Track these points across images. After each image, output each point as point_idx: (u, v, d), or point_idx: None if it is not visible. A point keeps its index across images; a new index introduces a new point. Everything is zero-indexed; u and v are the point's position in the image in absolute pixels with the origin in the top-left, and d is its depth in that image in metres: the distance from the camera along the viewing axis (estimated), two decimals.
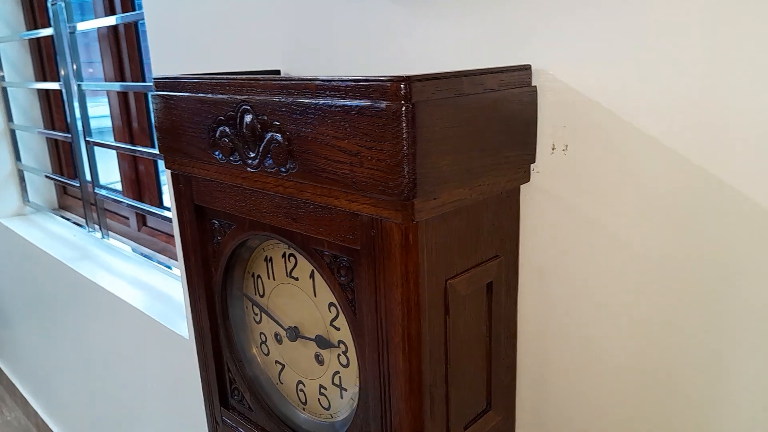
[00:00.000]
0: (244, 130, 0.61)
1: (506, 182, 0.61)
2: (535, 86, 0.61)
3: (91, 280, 1.67)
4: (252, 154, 0.62)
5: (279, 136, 0.58)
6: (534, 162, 0.63)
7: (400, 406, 0.57)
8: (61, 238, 2.02)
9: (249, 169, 0.63)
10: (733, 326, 0.54)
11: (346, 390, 0.68)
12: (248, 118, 0.61)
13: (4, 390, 2.77)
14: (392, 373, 0.56)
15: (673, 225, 0.55)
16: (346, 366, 0.67)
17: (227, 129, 0.64)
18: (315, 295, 0.68)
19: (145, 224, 1.87)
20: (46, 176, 2.17)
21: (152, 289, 1.56)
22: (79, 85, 1.74)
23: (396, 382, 0.56)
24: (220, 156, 0.65)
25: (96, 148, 1.80)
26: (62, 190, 2.34)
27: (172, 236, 1.65)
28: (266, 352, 0.78)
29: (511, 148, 0.59)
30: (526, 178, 0.63)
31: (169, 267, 1.62)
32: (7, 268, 2.38)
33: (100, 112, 1.89)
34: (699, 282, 0.55)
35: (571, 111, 0.59)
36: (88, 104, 1.80)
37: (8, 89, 2.18)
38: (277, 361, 0.77)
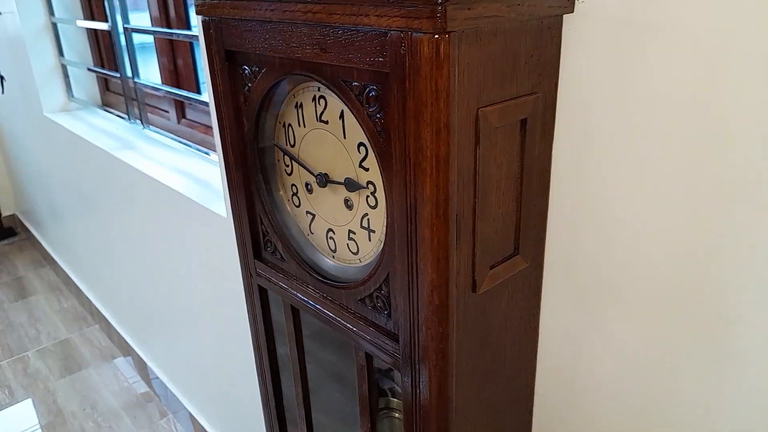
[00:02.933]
0: None
1: (548, 8, 0.57)
2: None
3: (133, 167, 1.71)
4: None
5: None
6: None
7: (425, 233, 0.56)
8: (104, 131, 2.06)
9: None
10: None
11: (374, 231, 0.68)
12: None
13: (60, 281, 2.93)
14: (419, 200, 0.56)
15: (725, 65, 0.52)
16: (374, 207, 0.67)
17: None
18: (344, 137, 0.67)
19: (184, 116, 1.89)
20: (89, 69, 2.19)
21: (191, 174, 1.59)
22: None
23: (422, 209, 0.56)
24: None
25: (138, 53, 1.80)
26: (105, 86, 2.37)
27: (210, 127, 1.66)
28: (297, 203, 0.79)
29: None
30: (570, 7, 0.60)
31: (207, 153, 1.64)
32: (55, 163, 2.46)
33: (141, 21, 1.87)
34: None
35: None
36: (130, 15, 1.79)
37: None
38: (308, 212, 0.78)
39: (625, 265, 0.64)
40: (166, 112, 1.98)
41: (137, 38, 1.84)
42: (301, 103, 0.71)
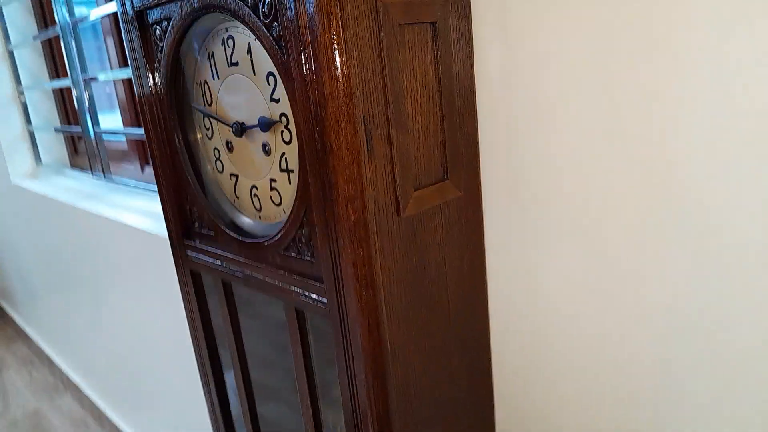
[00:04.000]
0: None
1: None
2: None
3: (97, 214, 1.66)
4: None
5: None
6: None
7: (332, 137, 0.52)
8: (69, 189, 2.03)
9: None
10: None
11: (292, 171, 0.63)
12: None
13: (32, 353, 2.81)
14: (320, 101, 0.51)
15: None
16: (289, 142, 0.62)
17: None
18: (254, 74, 0.63)
19: (147, 162, 1.87)
20: (55, 129, 2.18)
21: (155, 213, 1.54)
22: (74, 23, 1.74)
23: (325, 110, 0.51)
24: None
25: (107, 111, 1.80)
26: (74, 150, 2.36)
27: None
28: (221, 169, 0.74)
29: None
30: None
31: None
32: (25, 230, 2.41)
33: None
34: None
35: None
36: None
37: (14, 53, 2.21)
38: (231, 174, 0.73)
39: (572, 191, 0.59)
40: (130, 164, 1.96)
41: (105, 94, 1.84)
42: (213, 53, 0.68)
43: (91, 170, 2.03)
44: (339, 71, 0.50)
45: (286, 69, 0.55)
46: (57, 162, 2.37)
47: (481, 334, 0.71)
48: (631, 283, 0.57)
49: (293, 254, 0.63)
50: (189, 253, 0.80)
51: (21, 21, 2.22)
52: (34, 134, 2.33)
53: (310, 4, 0.49)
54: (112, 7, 1.43)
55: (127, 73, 1.55)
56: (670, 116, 0.50)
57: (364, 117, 0.52)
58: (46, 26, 2.18)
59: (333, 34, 0.49)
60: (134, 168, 1.93)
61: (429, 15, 0.57)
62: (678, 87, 0.49)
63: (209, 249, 0.76)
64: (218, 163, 0.74)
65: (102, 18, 1.62)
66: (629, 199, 0.55)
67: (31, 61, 2.27)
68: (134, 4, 0.72)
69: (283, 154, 0.63)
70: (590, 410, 0.65)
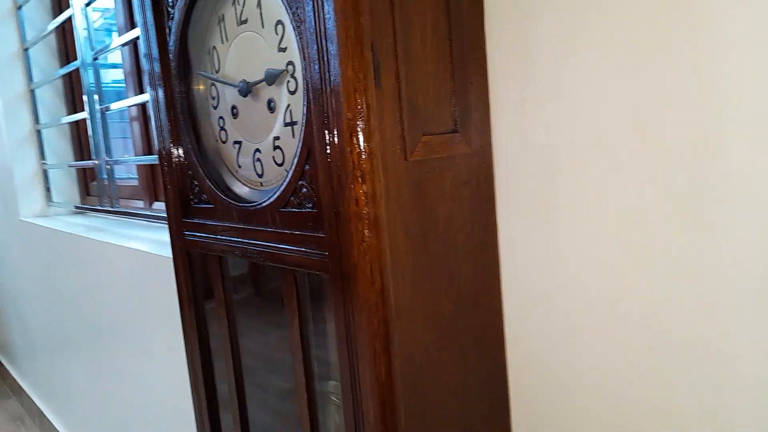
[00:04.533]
0: None
1: None
2: None
3: (103, 242, 1.64)
4: None
5: None
6: None
7: (341, 66, 0.50)
8: (76, 224, 2.02)
9: None
10: None
11: (296, 123, 0.61)
12: None
13: (24, 411, 2.71)
14: (329, 30, 0.50)
15: None
16: (294, 92, 0.60)
17: None
18: (263, 26, 0.63)
19: (157, 199, 1.86)
20: (69, 165, 2.20)
21: (162, 242, 1.52)
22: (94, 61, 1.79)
23: (333, 38, 0.50)
24: None
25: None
26: (86, 191, 2.37)
27: None
28: (225, 139, 0.72)
29: None
30: None
31: None
32: (29, 271, 2.39)
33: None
34: None
35: None
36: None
37: (36, 91, 2.27)
38: (235, 142, 0.71)
39: (587, 156, 0.56)
40: (139, 200, 1.96)
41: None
42: (223, 15, 0.68)
43: (100, 204, 2.03)
44: None
45: (298, 6, 0.54)
46: (68, 202, 2.38)
47: (495, 314, 0.66)
48: (676, 253, 0.53)
49: (293, 209, 0.59)
50: (186, 232, 0.77)
51: (44, 62, 2.29)
52: (47, 172, 2.35)
53: None
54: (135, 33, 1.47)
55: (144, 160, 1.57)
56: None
57: (372, 43, 0.51)
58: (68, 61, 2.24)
59: None
60: (144, 204, 1.93)
61: None
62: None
63: (208, 223, 0.73)
64: (222, 133, 0.73)
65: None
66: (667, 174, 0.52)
67: (50, 99, 2.32)
68: None
69: (288, 106, 0.61)
70: (624, 409, 0.58)
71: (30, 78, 2.30)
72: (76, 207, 2.31)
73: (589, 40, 0.54)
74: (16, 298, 2.65)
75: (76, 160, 2.35)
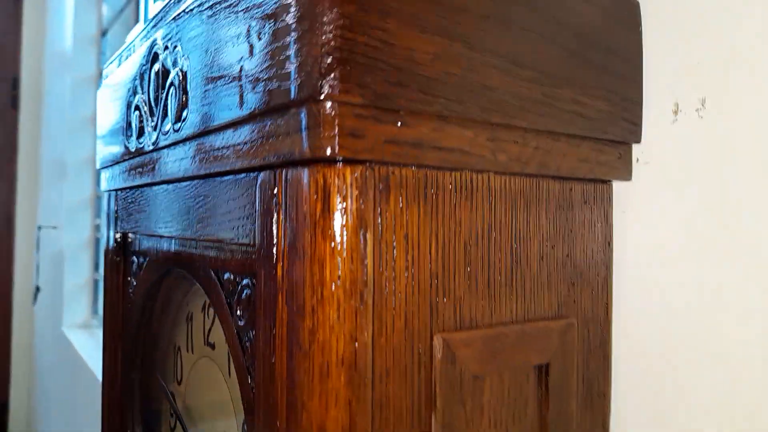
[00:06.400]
0: (151, 84, 0.38)
1: (578, 162, 0.31)
2: None
3: None
4: (154, 122, 0.38)
5: (178, 74, 0.34)
6: (639, 140, 0.33)
7: None
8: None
9: (149, 147, 0.39)
10: None
11: None
12: (156, 66, 0.38)
13: None
14: None
15: None
16: None
17: (138, 94, 0.41)
18: (230, 374, 0.38)
19: None
20: None
21: None
22: None
23: None
24: (132, 143, 0.42)
25: None
26: None
27: None
28: None
29: (588, 92, 0.31)
30: (624, 170, 0.33)
31: None
32: (65, 390, 2.23)
33: None
34: None
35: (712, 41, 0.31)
36: None
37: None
38: None
39: None
40: None
41: None
42: (192, 314, 0.45)
43: None
44: None
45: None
46: None
47: None
48: None
49: None
50: None
51: None
52: (98, 282, 2.23)
53: None
54: None
55: None
56: None
57: None
58: None
59: (334, 413, 0.23)
60: None
61: (538, 353, 0.30)
62: None
63: None
64: None
65: None
66: None
67: None
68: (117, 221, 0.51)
69: None
70: None
71: (98, 185, 2.23)
72: None
73: None
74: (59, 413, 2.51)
75: None
